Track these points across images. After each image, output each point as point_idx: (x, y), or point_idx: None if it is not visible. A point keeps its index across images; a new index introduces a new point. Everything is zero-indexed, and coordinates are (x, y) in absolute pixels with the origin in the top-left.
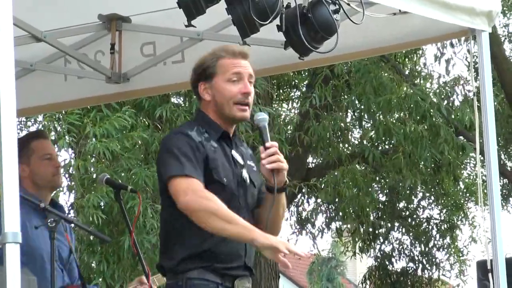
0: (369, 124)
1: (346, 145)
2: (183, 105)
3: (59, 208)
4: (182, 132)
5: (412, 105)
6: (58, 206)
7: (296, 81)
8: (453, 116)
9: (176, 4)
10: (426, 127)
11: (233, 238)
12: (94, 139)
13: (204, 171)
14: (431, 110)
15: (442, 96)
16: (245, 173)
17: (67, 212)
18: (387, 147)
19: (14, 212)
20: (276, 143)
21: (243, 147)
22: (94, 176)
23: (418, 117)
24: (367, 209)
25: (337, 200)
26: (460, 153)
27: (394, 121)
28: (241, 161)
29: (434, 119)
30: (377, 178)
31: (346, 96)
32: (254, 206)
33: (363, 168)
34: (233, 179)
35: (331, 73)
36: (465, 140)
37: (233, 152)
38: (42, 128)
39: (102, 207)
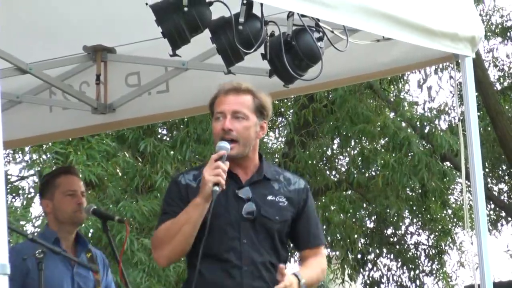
0: (354, 151)
1: (333, 172)
2: (167, 138)
3: (82, 241)
4: (174, 179)
5: (392, 133)
6: (81, 239)
7: (282, 109)
8: (439, 142)
9: (160, 34)
10: (404, 155)
11: (195, 225)
12: (77, 165)
13: None
14: (411, 138)
15: (424, 123)
16: (249, 207)
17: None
18: (373, 173)
19: (1, 243)
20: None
21: (277, 181)
22: None
23: (397, 145)
24: (355, 235)
25: (325, 226)
26: (445, 179)
27: (378, 147)
28: (245, 196)
29: (414, 147)
30: (364, 205)
31: (329, 123)
32: (271, 237)
33: (350, 193)
34: (226, 213)
35: (307, 100)
36: (450, 166)
37: (237, 190)
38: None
39: (90, 237)
